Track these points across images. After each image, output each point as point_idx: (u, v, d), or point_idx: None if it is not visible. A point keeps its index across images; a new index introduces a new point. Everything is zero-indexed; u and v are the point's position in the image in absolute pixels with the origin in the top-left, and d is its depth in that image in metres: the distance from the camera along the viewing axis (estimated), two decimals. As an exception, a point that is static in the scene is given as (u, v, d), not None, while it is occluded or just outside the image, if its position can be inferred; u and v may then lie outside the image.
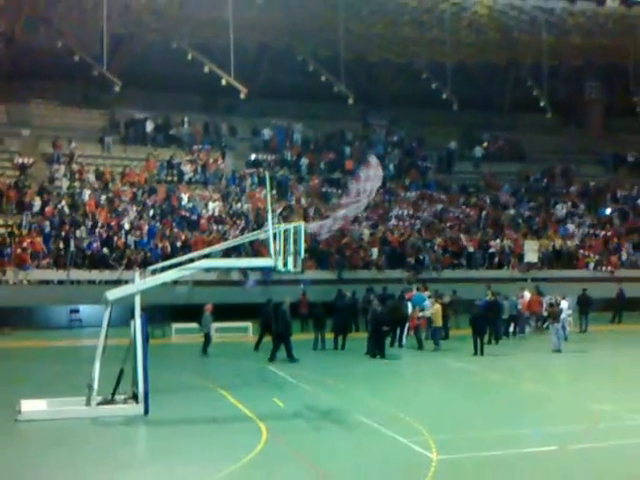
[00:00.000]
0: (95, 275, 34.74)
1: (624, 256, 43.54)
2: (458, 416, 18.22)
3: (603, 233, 45.30)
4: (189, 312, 32.56)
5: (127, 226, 37.44)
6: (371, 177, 19.47)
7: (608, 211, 47.96)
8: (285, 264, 17.91)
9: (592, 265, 42.34)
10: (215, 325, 29.51)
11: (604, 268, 42.39)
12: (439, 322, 29.20)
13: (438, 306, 29.45)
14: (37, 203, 37.67)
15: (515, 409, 19.16)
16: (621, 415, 17.82)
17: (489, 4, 43.32)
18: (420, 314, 29.90)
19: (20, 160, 40.61)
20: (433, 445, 14.86)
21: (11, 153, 41.38)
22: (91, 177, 41.00)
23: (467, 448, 14.82)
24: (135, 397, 17.83)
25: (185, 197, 40.94)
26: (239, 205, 41.54)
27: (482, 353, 27.62)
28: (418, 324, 29.35)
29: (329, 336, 29.22)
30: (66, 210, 37.78)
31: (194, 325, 31.77)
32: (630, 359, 27.91)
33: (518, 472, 13.61)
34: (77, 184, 40.17)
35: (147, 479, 13.57)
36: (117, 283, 25.50)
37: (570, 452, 14.76)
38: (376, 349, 26.96)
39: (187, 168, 43.70)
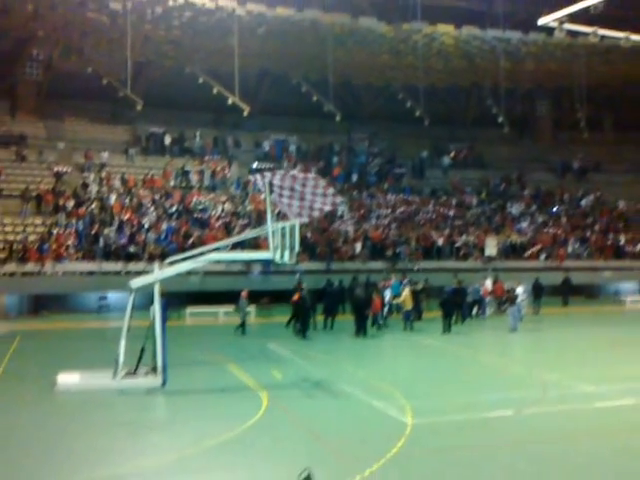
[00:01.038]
0: (121, 267, 34.66)
1: (570, 249, 43.62)
2: (429, 385, 18.29)
3: (552, 229, 45.39)
4: (201, 298, 32.71)
5: (148, 225, 37.39)
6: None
7: (556, 210, 48.04)
8: (282, 257, 17.95)
9: (543, 256, 42.41)
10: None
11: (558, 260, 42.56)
12: (409, 306, 29.16)
13: (407, 292, 29.40)
14: (71, 205, 37.59)
15: (478, 379, 19.19)
16: (568, 384, 17.88)
17: (455, 35, 43.37)
18: (394, 301, 30.12)
19: (56, 169, 40.56)
20: (408, 410, 14.90)
21: (49, 163, 41.29)
22: (117, 183, 40.93)
23: (437, 413, 14.85)
24: (155, 370, 17.82)
25: (197, 200, 40.89)
26: (243, 207, 41.49)
27: (450, 331, 27.81)
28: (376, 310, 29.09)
29: (320, 318, 29.28)
30: (96, 211, 37.74)
31: (206, 309, 31.90)
32: (576, 336, 28.04)
33: (482, 433, 13.64)
34: (105, 189, 40.11)
35: (165, 438, 13.55)
36: (139, 273, 25.44)
37: (524, 415, 14.81)
38: (359, 329, 27.03)
39: (199, 175, 43.67)
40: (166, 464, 11.78)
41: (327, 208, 19.41)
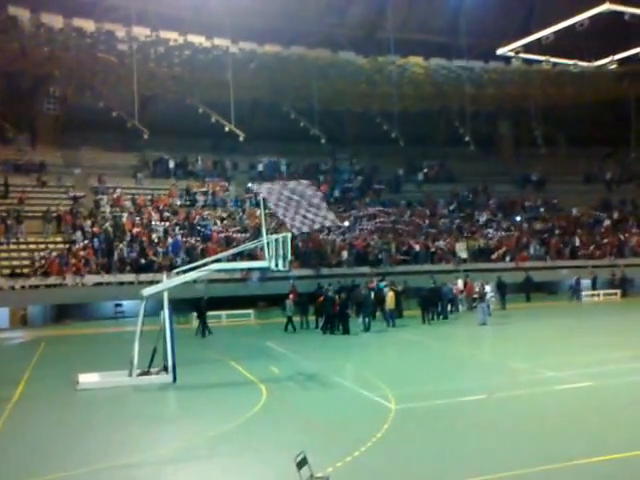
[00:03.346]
0: (133, 277, 34.52)
1: (532, 251, 43.76)
2: (410, 375, 18.33)
3: (515, 234, 45.52)
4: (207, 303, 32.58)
5: (156, 240, 37.29)
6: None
7: (518, 218, 48.20)
8: (277, 264, 18.00)
9: (508, 258, 42.51)
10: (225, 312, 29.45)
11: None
12: (392, 305, 29.18)
13: (392, 293, 29.44)
14: (88, 224, 37.46)
15: (453, 368, 19.26)
16: (533, 370, 17.94)
17: (424, 65, 43.64)
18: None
19: (73, 193, 40.44)
20: (392, 397, 14.92)
21: (66, 187, 41.11)
22: (128, 204, 40.77)
23: (417, 399, 14.86)
24: (165, 369, 17.80)
25: (200, 217, 40.82)
26: (241, 221, 41.44)
27: (430, 324, 28.72)
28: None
29: (312, 318, 29.28)
30: (110, 229, 37.59)
31: (210, 313, 31.76)
32: (539, 328, 28.12)
33: (458, 415, 13.66)
34: (117, 209, 39.97)
35: (176, 429, 13.54)
36: (151, 283, 25.37)
37: (496, 399, 14.86)
38: (343, 327, 27.06)
39: (201, 195, 43.63)
40: (177, 452, 11.77)
41: (326, 223, 19.47)
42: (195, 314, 29.11)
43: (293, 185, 18.76)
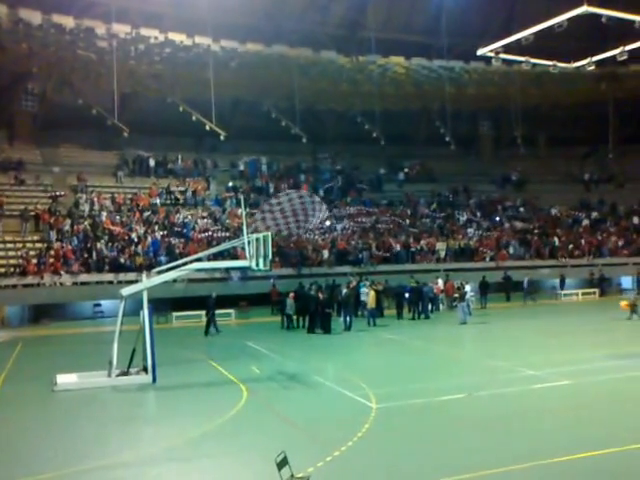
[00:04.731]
0: (112, 277, 34.30)
1: (511, 250, 44.07)
2: (391, 374, 18.37)
3: (495, 234, 45.83)
4: (186, 303, 32.47)
5: (136, 239, 37.05)
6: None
7: (498, 218, 48.52)
8: (257, 264, 17.98)
9: (488, 258, 42.79)
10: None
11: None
12: (373, 304, 29.25)
13: (372, 292, 29.53)
14: (67, 224, 37.12)
15: (433, 367, 19.36)
16: (512, 369, 18.07)
17: (405, 65, 43.78)
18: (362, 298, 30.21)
19: (52, 191, 40.07)
20: (372, 397, 14.96)
21: (45, 186, 40.71)
22: (107, 202, 40.46)
23: (398, 398, 14.92)
24: (145, 369, 17.71)
25: (180, 216, 40.61)
26: (221, 221, 41.30)
27: (402, 318, 30.31)
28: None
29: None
30: (89, 228, 37.29)
31: (190, 313, 31.69)
32: (518, 327, 28.33)
33: (438, 414, 13.75)
34: (97, 208, 39.65)
35: (156, 430, 13.46)
36: (130, 282, 25.20)
37: (476, 397, 14.95)
38: (323, 327, 27.09)
39: (181, 194, 43.43)
40: (157, 453, 11.71)
41: (317, 221, 19.57)
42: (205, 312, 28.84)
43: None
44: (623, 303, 29.40)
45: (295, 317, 28.92)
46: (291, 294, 28.86)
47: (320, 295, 27.89)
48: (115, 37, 36.06)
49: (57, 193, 39.81)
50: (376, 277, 34.94)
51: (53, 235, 35.91)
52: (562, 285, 40.68)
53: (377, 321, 28.99)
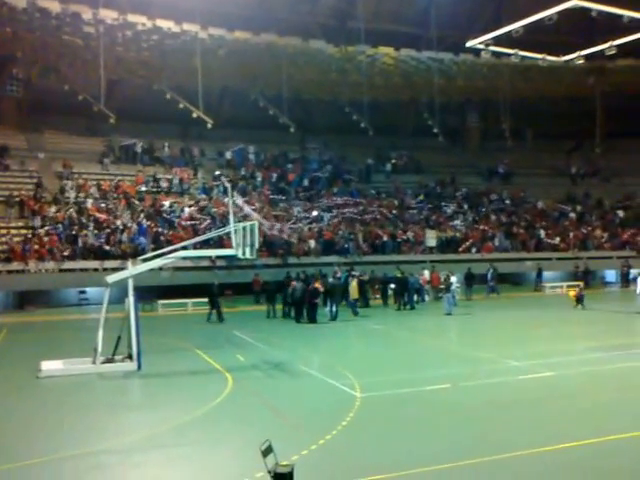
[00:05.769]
0: (98, 264, 34.15)
1: (497, 243, 44.29)
2: (376, 364, 18.45)
3: (481, 226, 46.02)
4: (171, 291, 32.44)
5: (122, 226, 36.90)
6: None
7: (484, 210, 48.71)
8: (244, 253, 17.98)
9: (474, 250, 42.97)
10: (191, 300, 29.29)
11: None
12: (356, 295, 29.31)
13: (355, 283, 29.59)
14: (52, 210, 36.90)
15: (418, 357, 19.46)
16: (496, 360, 18.20)
17: (394, 56, 43.74)
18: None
19: (38, 177, 39.78)
20: (357, 386, 15.04)
21: (30, 172, 40.43)
22: (93, 189, 40.26)
23: (383, 388, 15.00)
24: (130, 357, 17.70)
25: (166, 204, 40.44)
26: (208, 209, 41.19)
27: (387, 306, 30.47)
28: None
29: (279, 307, 29.30)
30: (74, 215, 37.09)
31: (176, 301, 31.66)
32: (502, 319, 28.55)
33: (422, 404, 13.83)
34: (82, 195, 39.42)
35: (141, 417, 13.47)
36: (115, 270, 25.12)
37: (460, 388, 15.04)
38: (309, 316, 27.15)
39: (167, 181, 43.26)
40: (140, 441, 11.72)
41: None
42: (207, 299, 28.75)
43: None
44: (571, 293, 31.35)
45: (270, 306, 28.97)
46: (292, 282, 28.69)
47: (319, 285, 27.89)
48: (102, 23, 35.76)
49: (42, 178, 39.46)
50: (363, 268, 34.96)
51: (38, 221, 35.70)
52: (539, 277, 40.73)
53: (363, 311, 29.11)
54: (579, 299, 30.25)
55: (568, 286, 39.97)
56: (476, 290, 36.02)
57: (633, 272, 41.36)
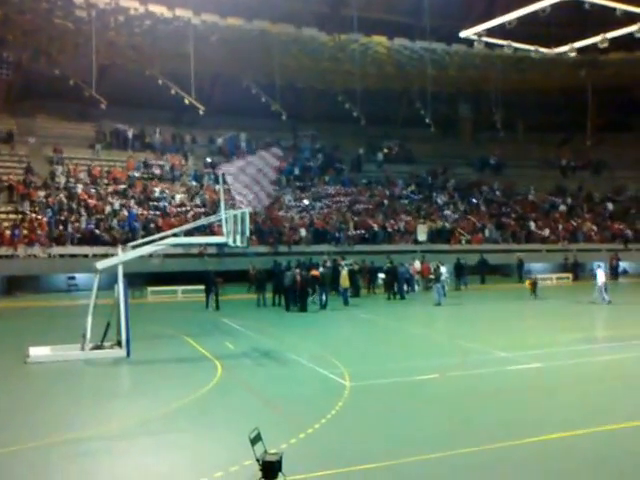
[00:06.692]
0: (87, 250, 33.99)
1: (487, 234, 44.38)
2: (365, 353, 18.48)
3: (472, 217, 46.08)
4: (161, 278, 32.34)
5: (112, 212, 36.72)
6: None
7: (475, 201, 48.78)
8: (235, 241, 17.92)
9: (464, 241, 43.05)
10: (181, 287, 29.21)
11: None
12: (346, 284, 29.31)
13: (344, 272, 29.57)
14: (42, 195, 36.67)
15: (407, 347, 19.48)
16: (485, 350, 18.25)
17: (387, 45, 43.53)
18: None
19: (27, 162, 39.49)
20: (347, 375, 15.04)
21: (20, 156, 40.16)
22: (83, 175, 40.06)
23: (372, 377, 15.02)
24: (119, 343, 17.63)
25: (157, 190, 40.29)
26: (199, 196, 41.05)
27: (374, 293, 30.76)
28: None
29: (268, 295, 29.25)
30: (64, 200, 36.88)
31: (166, 288, 31.58)
32: (492, 310, 28.67)
33: (411, 393, 13.86)
34: (72, 180, 39.20)
35: (129, 404, 13.43)
36: (105, 256, 24.99)
37: (448, 378, 15.06)
38: (301, 305, 27.13)
39: (158, 168, 43.05)
40: (130, 427, 11.68)
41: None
42: (203, 287, 28.63)
43: (253, 159, 18.73)
44: (527, 282, 32.25)
45: (260, 295, 28.90)
46: (297, 271, 28.52)
47: (316, 273, 27.86)
48: (94, 7, 35.36)
49: (32, 163, 39.17)
50: (353, 257, 34.91)
51: (27, 206, 35.47)
52: (520, 269, 39.93)
53: (353, 300, 29.11)
54: (533, 287, 31.34)
55: (557, 278, 40.18)
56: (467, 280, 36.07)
57: (621, 265, 41.61)
